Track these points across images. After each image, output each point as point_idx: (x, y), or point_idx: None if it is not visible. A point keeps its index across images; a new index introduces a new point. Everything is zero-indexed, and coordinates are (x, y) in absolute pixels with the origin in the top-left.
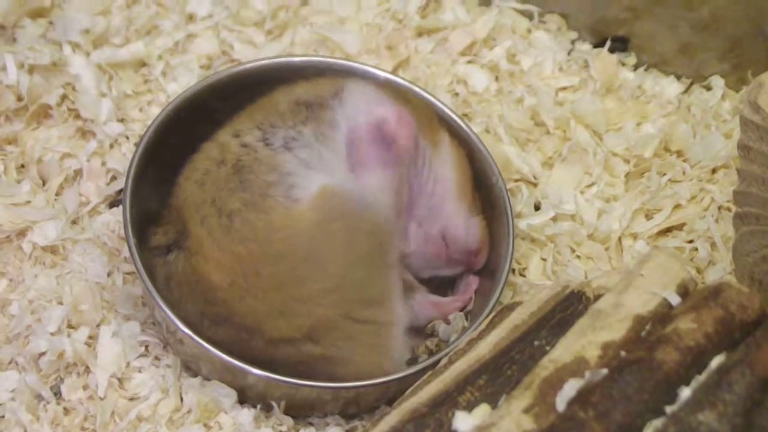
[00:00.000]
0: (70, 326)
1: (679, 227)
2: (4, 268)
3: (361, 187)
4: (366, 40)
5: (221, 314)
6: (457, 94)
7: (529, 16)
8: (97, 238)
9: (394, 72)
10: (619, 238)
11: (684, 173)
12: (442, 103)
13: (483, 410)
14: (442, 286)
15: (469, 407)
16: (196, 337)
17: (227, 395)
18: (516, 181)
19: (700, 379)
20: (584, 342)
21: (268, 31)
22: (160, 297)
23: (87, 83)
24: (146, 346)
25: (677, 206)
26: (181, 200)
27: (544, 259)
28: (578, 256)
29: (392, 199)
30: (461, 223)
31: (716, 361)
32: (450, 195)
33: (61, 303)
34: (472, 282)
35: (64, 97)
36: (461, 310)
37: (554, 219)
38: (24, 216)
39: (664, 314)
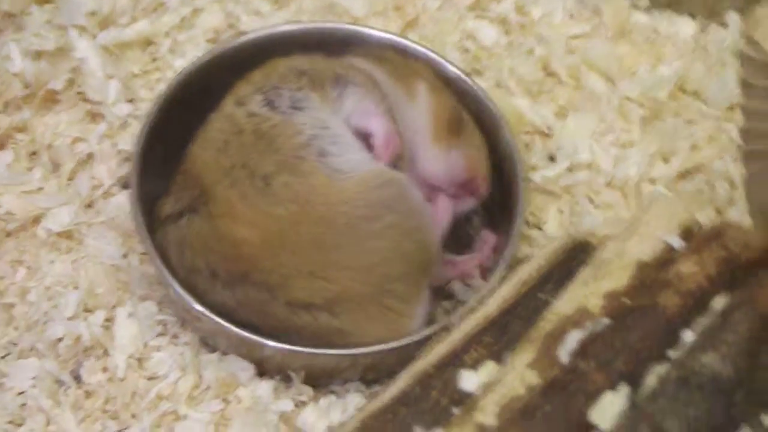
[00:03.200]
0: (86, 310)
1: (698, 169)
2: (21, 256)
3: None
4: (373, 3)
5: (241, 271)
6: (467, 50)
7: None
8: (112, 220)
9: (403, 32)
10: (637, 184)
11: (701, 113)
12: (448, 60)
13: (489, 368)
14: (463, 244)
15: (475, 365)
16: (210, 314)
17: (245, 369)
18: (529, 133)
19: (703, 321)
20: (587, 292)
21: (275, 0)
22: (172, 271)
23: (93, 66)
24: (164, 325)
25: (695, 147)
26: (198, 166)
27: (561, 211)
28: (597, 206)
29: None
30: (440, 159)
31: (719, 302)
32: (424, 138)
33: (77, 288)
34: (488, 238)
35: (71, 82)
36: (480, 268)
37: (570, 169)
38: (37, 203)
39: (667, 259)
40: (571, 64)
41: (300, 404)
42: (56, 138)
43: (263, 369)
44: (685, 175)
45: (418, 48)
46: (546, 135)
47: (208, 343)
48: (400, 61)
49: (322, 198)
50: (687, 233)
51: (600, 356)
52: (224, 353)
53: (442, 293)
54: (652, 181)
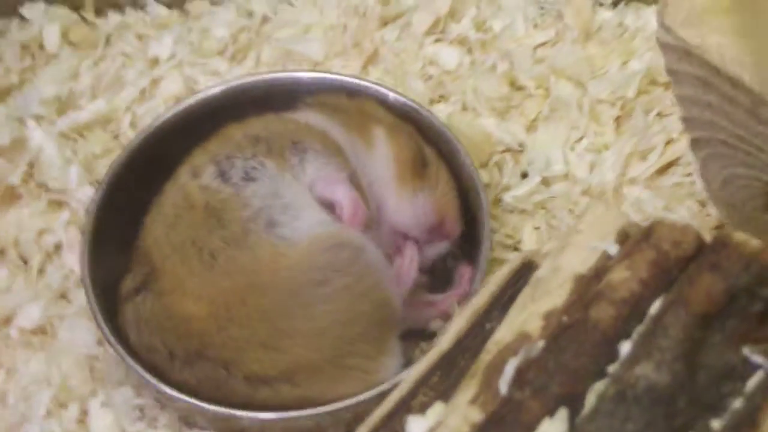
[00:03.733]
0: (60, 405)
1: (676, 162)
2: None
3: (365, 242)
4: (331, 44)
5: (195, 349)
6: (430, 77)
7: None
8: (85, 308)
9: (364, 68)
10: (617, 188)
11: (674, 104)
12: (399, 94)
13: (437, 410)
14: (441, 280)
15: (423, 409)
16: (178, 393)
17: None
18: (500, 153)
19: (640, 329)
20: (525, 315)
21: (232, 57)
22: (133, 352)
23: (51, 153)
24: (141, 410)
25: (669, 141)
26: (149, 242)
27: (537, 227)
28: (577, 217)
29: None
30: (406, 206)
31: (655, 307)
32: (388, 186)
33: (50, 384)
34: (465, 272)
35: (29, 174)
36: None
37: (546, 183)
38: (6, 303)
39: (602, 268)
40: (538, 74)
41: None
42: (21, 233)
43: None
44: (664, 170)
45: (370, 86)
46: (518, 152)
47: (188, 421)
48: (354, 107)
49: (267, 267)
50: (624, 237)
51: (535, 382)
52: (205, 429)
53: (423, 334)
54: (632, 181)
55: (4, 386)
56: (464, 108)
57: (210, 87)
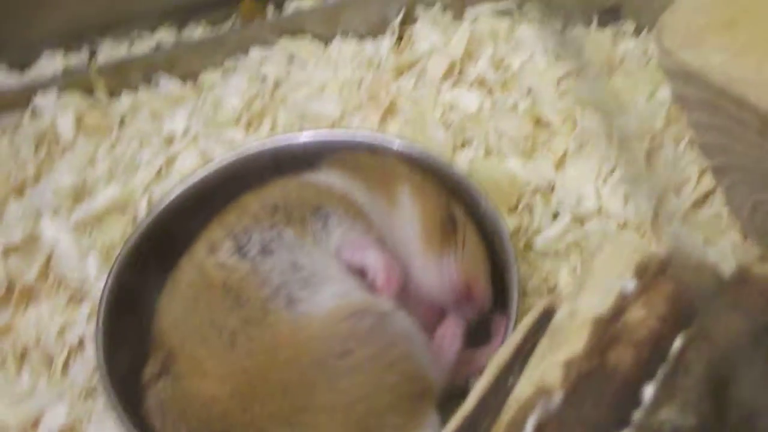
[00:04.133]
0: None
1: (713, 191)
2: None
3: (390, 312)
4: (346, 100)
5: (218, 429)
6: (450, 124)
7: (508, 13)
8: None
9: (382, 121)
10: (654, 220)
11: None
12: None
13: None
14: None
15: None
16: None
17: None
18: (529, 194)
19: (663, 369)
20: (544, 366)
21: (247, 124)
22: None
23: (66, 247)
24: None
25: (704, 171)
26: (166, 324)
27: (574, 269)
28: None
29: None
30: (432, 271)
31: (676, 345)
32: (413, 248)
33: None
34: (500, 324)
35: (46, 270)
36: None
37: (579, 221)
38: (29, 407)
39: (621, 308)
40: (563, 108)
41: None
42: (42, 332)
43: None
44: (701, 202)
45: (391, 140)
46: (547, 192)
47: None
48: (376, 165)
49: (288, 342)
50: (642, 273)
51: None
52: None
53: (463, 393)
54: (667, 215)
55: None
56: (488, 152)
57: (221, 157)
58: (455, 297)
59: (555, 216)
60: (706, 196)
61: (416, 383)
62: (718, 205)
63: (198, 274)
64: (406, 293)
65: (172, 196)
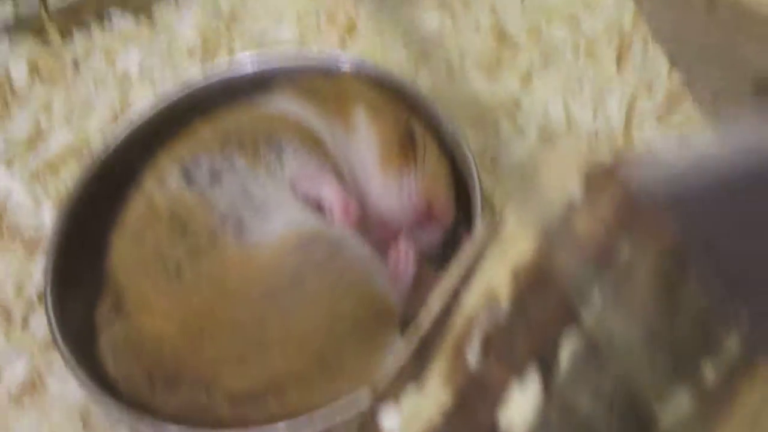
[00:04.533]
0: None
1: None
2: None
3: (340, 235)
4: (304, 25)
5: (172, 372)
6: (411, 46)
7: None
8: None
9: (341, 45)
10: (625, 130)
11: None
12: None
13: (412, 399)
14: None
15: (398, 398)
16: (164, 426)
17: None
18: (495, 113)
19: (609, 277)
20: (490, 275)
21: (203, 57)
22: (112, 386)
23: (19, 198)
24: None
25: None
26: (115, 261)
27: None
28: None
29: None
30: (390, 192)
31: (623, 252)
32: (372, 172)
33: None
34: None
35: None
36: None
37: (547, 138)
38: None
39: (567, 217)
40: (528, 21)
41: None
42: None
43: None
44: (673, 101)
45: (346, 60)
46: (513, 110)
47: None
48: (330, 87)
49: (236, 274)
50: (588, 180)
51: (498, 346)
52: None
53: None
54: (640, 120)
55: None
56: (450, 71)
57: (171, 91)
58: (416, 217)
59: (521, 132)
60: (679, 98)
61: (373, 307)
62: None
63: (146, 207)
64: (365, 222)
65: (122, 134)
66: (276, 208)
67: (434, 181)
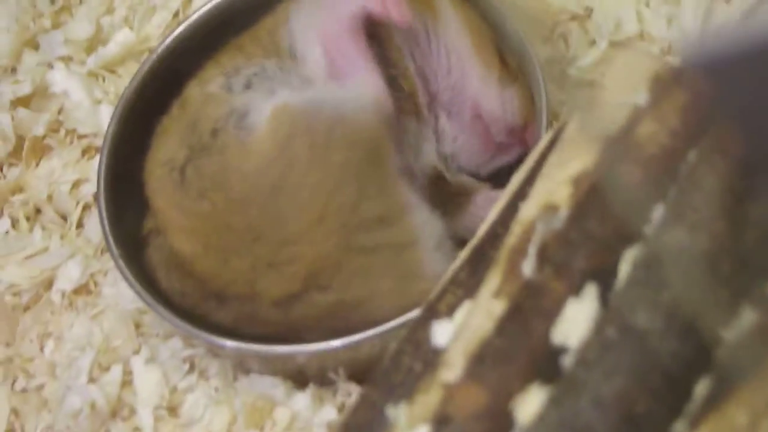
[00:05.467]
0: (102, 369)
1: None
2: (47, 328)
3: (338, 96)
4: None
5: (214, 288)
6: None
7: None
8: None
9: None
10: None
11: None
12: None
13: (464, 310)
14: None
15: (451, 312)
16: (221, 341)
17: (276, 386)
18: (564, 22)
19: (674, 188)
20: (551, 185)
21: None
22: (165, 302)
23: (77, 96)
24: (191, 362)
25: None
26: (147, 170)
27: None
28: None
29: (384, 99)
30: (494, 96)
31: (690, 159)
32: (470, 64)
33: (93, 347)
34: None
35: (56, 122)
36: None
37: (618, 47)
38: (41, 266)
39: (632, 123)
40: None
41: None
42: (54, 187)
43: (306, 379)
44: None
45: None
46: (584, 18)
47: (243, 368)
48: None
49: (238, 172)
50: (654, 85)
51: (555, 258)
52: (260, 374)
53: None
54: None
55: (51, 356)
56: None
57: None
58: (508, 131)
59: (592, 44)
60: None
61: (379, 162)
62: None
63: (178, 108)
64: (459, 102)
65: (180, 35)
66: (278, 86)
67: (531, 103)
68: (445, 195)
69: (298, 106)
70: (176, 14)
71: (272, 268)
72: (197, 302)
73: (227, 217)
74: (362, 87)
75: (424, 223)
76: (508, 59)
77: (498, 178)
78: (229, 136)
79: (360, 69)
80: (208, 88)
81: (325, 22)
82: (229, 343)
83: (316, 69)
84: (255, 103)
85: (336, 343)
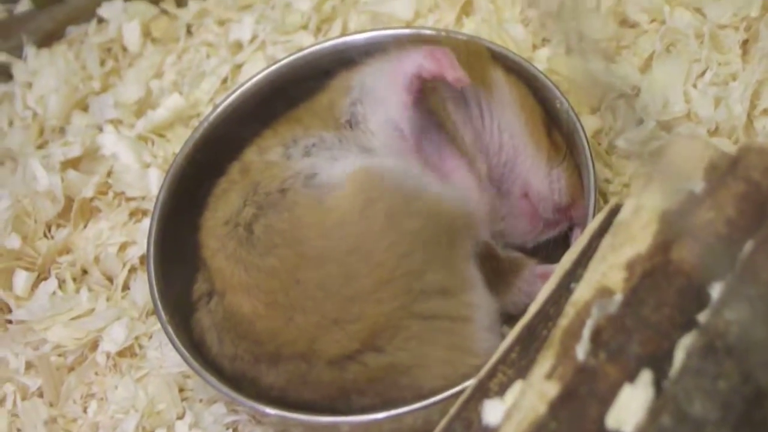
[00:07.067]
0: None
1: None
2: (90, 388)
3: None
4: (420, 1)
5: (270, 349)
6: (528, 23)
7: None
8: None
9: (457, 22)
10: (747, 124)
11: None
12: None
13: (516, 390)
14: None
15: (502, 391)
16: (264, 407)
17: None
18: (613, 99)
19: (730, 274)
20: (605, 267)
21: (317, 28)
22: (214, 363)
23: (126, 159)
24: (234, 429)
25: None
26: (203, 234)
27: None
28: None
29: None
30: (543, 176)
31: (746, 249)
32: (522, 143)
33: (137, 410)
34: (578, 235)
35: (105, 185)
36: None
37: (665, 127)
38: (87, 327)
39: (688, 208)
40: (650, 6)
41: None
42: (101, 250)
43: None
44: None
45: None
46: (631, 97)
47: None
48: (459, 43)
49: (313, 229)
50: (711, 173)
51: (610, 344)
52: None
53: None
54: (763, 111)
55: (95, 418)
56: (568, 52)
57: (276, 61)
58: (555, 208)
59: (640, 122)
60: None
61: (450, 236)
62: None
63: (238, 173)
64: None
65: (231, 101)
66: (344, 154)
67: (577, 179)
68: (493, 270)
69: (378, 171)
70: (225, 80)
71: (337, 325)
72: (249, 365)
73: (297, 273)
74: (458, 181)
75: (481, 300)
76: (556, 135)
77: (541, 250)
78: (298, 195)
79: (445, 158)
80: (268, 157)
81: (387, 89)
82: (272, 411)
83: (381, 137)
84: (321, 165)
85: (380, 415)
